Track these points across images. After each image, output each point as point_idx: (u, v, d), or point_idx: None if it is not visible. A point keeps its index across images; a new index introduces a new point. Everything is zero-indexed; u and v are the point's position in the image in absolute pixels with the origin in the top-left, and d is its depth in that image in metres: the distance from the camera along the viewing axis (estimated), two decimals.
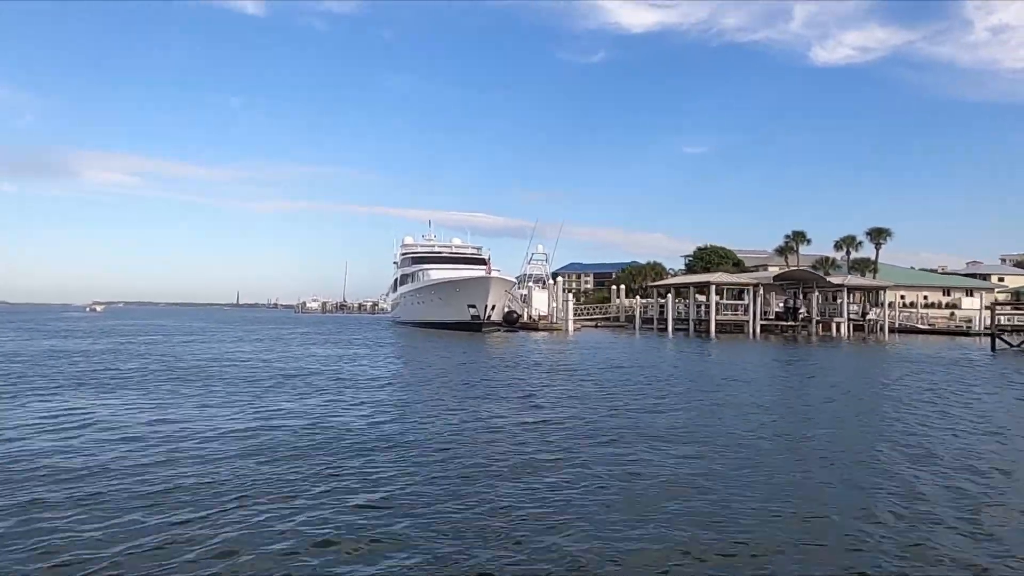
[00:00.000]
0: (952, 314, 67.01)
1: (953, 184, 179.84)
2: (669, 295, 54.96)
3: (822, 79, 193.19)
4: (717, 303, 50.58)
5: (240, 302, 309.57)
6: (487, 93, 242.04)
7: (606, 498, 7.37)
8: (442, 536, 6.12)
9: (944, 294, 76.69)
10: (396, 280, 73.54)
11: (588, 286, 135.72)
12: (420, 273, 59.83)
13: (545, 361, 24.77)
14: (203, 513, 6.63)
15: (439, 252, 65.63)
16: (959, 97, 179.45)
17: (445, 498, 7.27)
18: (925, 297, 72.42)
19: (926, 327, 58.02)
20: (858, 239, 72.03)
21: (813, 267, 65.19)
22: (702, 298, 55.19)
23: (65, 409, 12.79)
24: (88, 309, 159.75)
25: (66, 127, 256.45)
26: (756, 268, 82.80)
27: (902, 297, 66.38)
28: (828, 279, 53.65)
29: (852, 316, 53.07)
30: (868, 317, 54.22)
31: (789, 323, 51.54)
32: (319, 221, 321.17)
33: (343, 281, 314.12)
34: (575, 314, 56.74)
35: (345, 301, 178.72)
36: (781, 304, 52.70)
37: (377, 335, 46.46)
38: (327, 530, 6.22)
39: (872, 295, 57.26)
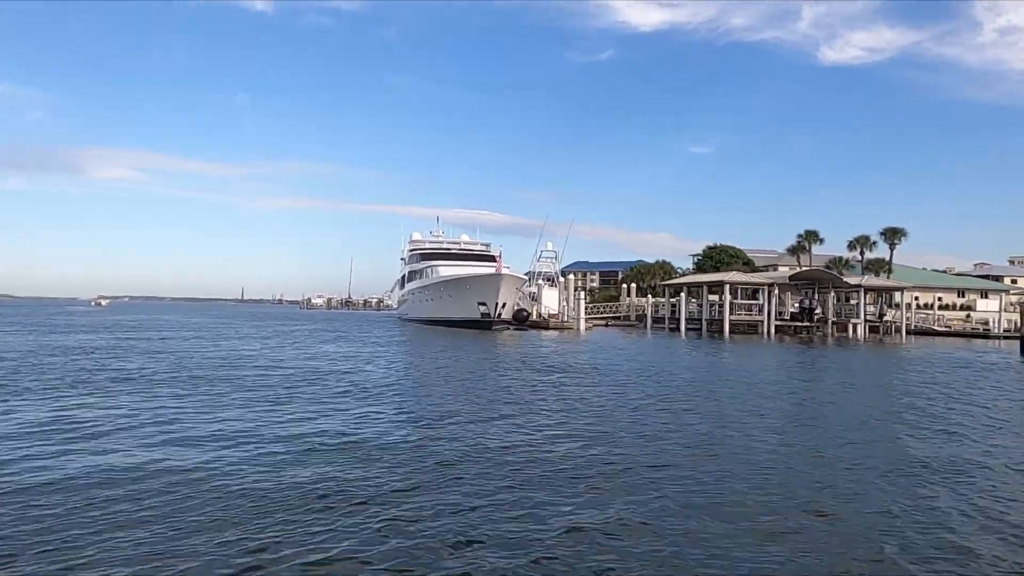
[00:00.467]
0: (968, 316, 65.99)
1: (960, 186, 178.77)
2: (682, 294, 54.10)
3: (830, 79, 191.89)
4: (731, 303, 49.79)
5: (245, 298, 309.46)
6: (492, 92, 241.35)
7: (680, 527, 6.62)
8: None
9: (958, 295, 75.66)
10: (404, 276, 72.79)
11: (594, 284, 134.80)
12: (429, 270, 59.05)
13: (566, 364, 23.87)
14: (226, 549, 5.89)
15: (448, 248, 64.87)
16: (966, 98, 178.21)
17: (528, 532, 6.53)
18: (939, 299, 71.31)
19: (943, 329, 57.06)
20: (872, 239, 71.13)
21: (826, 267, 64.28)
22: (714, 298, 54.40)
23: (53, 416, 11.39)
24: (93, 304, 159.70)
25: (74, 123, 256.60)
26: (766, 268, 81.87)
27: (916, 298, 65.44)
28: (844, 279, 52.75)
29: (869, 317, 52.18)
30: (885, 318, 53.31)
31: (804, 324, 50.66)
32: (323, 218, 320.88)
33: (348, 277, 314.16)
34: (586, 313, 55.93)
35: (350, 297, 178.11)
36: (796, 304, 51.83)
37: (386, 332, 45.73)
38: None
39: (886, 296, 56.39)
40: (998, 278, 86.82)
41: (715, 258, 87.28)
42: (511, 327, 50.76)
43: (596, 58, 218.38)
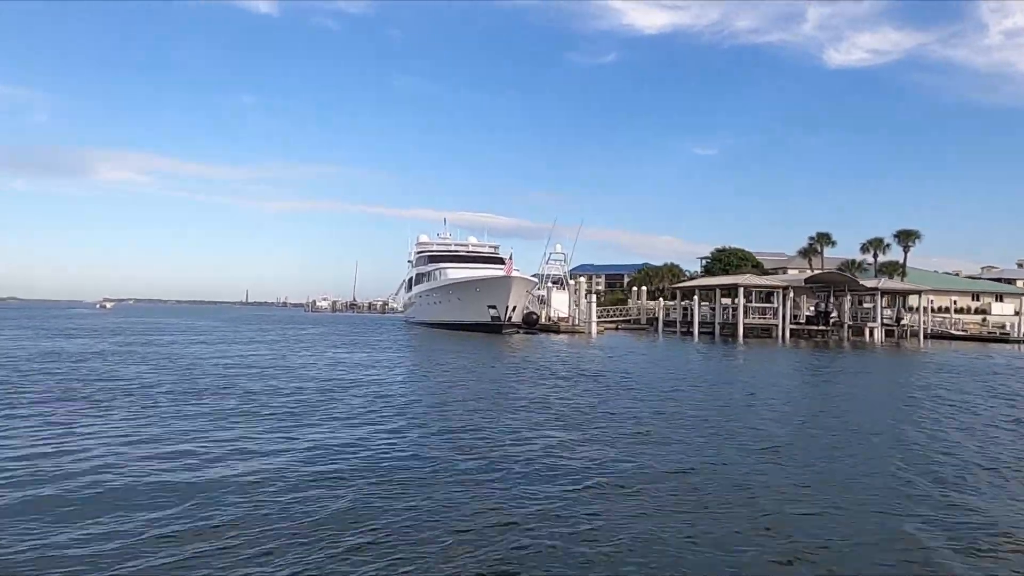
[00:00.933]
0: (984, 320, 64.81)
1: (966, 188, 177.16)
2: (695, 297, 53.11)
3: (836, 82, 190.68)
4: (745, 306, 48.81)
5: (249, 300, 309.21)
6: (496, 94, 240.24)
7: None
8: None
9: (973, 299, 74.50)
10: (411, 279, 71.90)
11: (599, 287, 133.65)
12: (437, 272, 58.14)
13: (593, 372, 22.89)
14: None
15: (456, 251, 63.96)
16: (972, 100, 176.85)
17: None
18: (954, 302, 70.19)
19: (960, 333, 55.95)
20: (886, 241, 70.10)
21: (839, 270, 63.27)
22: (727, 301, 53.43)
23: (35, 438, 10.00)
24: (98, 306, 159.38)
25: (78, 125, 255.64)
26: (775, 271, 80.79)
27: (930, 301, 64.35)
28: (860, 282, 51.72)
29: (885, 321, 51.13)
30: (902, 322, 52.26)
31: (820, 328, 49.61)
32: (328, 220, 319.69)
33: (353, 280, 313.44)
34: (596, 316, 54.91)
35: (355, 300, 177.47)
36: (812, 308, 50.79)
37: (395, 336, 44.76)
38: None
39: (900, 299, 55.32)
40: (1010, 281, 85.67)
41: (724, 261, 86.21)
42: (520, 331, 49.85)
43: (600, 60, 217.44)
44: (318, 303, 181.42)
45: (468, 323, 49.70)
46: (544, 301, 56.39)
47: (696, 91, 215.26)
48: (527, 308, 51.12)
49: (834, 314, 49.54)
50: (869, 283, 51.91)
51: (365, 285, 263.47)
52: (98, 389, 15.43)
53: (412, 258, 72.71)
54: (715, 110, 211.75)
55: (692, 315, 52.86)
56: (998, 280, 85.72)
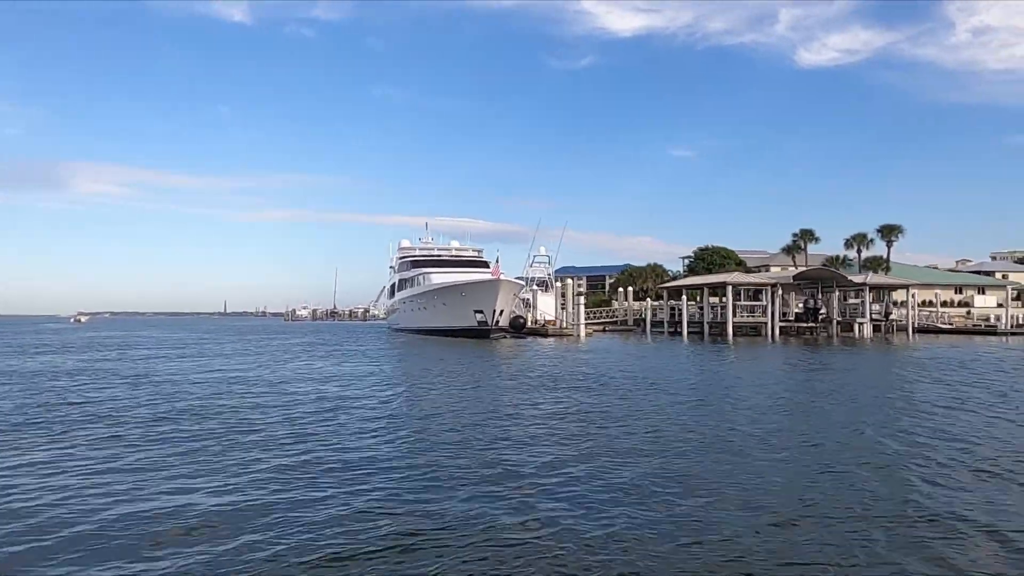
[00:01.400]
0: (968, 312, 64.95)
1: (938, 184, 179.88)
2: (684, 297, 52.52)
3: (808, 81, 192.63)
4: (734, 304, 48.32)
5: (228, 311, 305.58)
6: (473, 100, 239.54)
7: None
8: None
9: (955, 292, 74.71)
10: (393, 285, 70.71)
11: (581, 290, 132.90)
12: (420, 277, 57.03)
13: (595, 378, 22.01)
14: None
15: (439, 255, 62.93)
16: (942, 98, 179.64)
17: None
18: (937, 295, 70.29)
19: (947, 327, 55.88)
20: (869, 236, 70.13)
21: (823, 266, 63.05)
22: (715, 300, 52.95)
23: None
24: (72, 320, 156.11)
25: (52, 138, 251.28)
26: (758, 269, 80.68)
27: (913, 296, 64.39)
28: (848, 278, 51.43)
29: (874, 316, 50.87)
30: (891, 317, 52.04)
31: (809, 324, 49.20)
32: (306, 229, 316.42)
33: (332, 288, 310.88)
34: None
35: (336, 308, 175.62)
36: (800, 305, 50.40)
37: (381, 344, 43.41)
38: None
39: (885, 294, 55.13)
40: (989, 273, 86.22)
41: (707, 260, 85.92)
42: (507, 335, 48.95)
43: (576, 64, 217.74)
44: (298, 312, 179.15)
45: (454, 328, 48.69)
46: (529, 304, 55.56)
47: (672, 93, 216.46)
48: (514, 312, 50.25)
49: (823, 310, 49.15)
50: (857, 279, 51.65)
51: (345, 293, 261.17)
52: (57, 416, 13.73)
53: (394, 264, 71.51)
54: (691, 112, 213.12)
55: (680, 315, 52.30)
56: (977, 272, 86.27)
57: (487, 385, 18.70)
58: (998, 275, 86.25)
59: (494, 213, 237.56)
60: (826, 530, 6.54)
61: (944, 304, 68.00)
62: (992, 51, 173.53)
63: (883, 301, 53.89)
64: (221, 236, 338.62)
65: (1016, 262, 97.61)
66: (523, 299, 54.98)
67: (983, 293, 74.69)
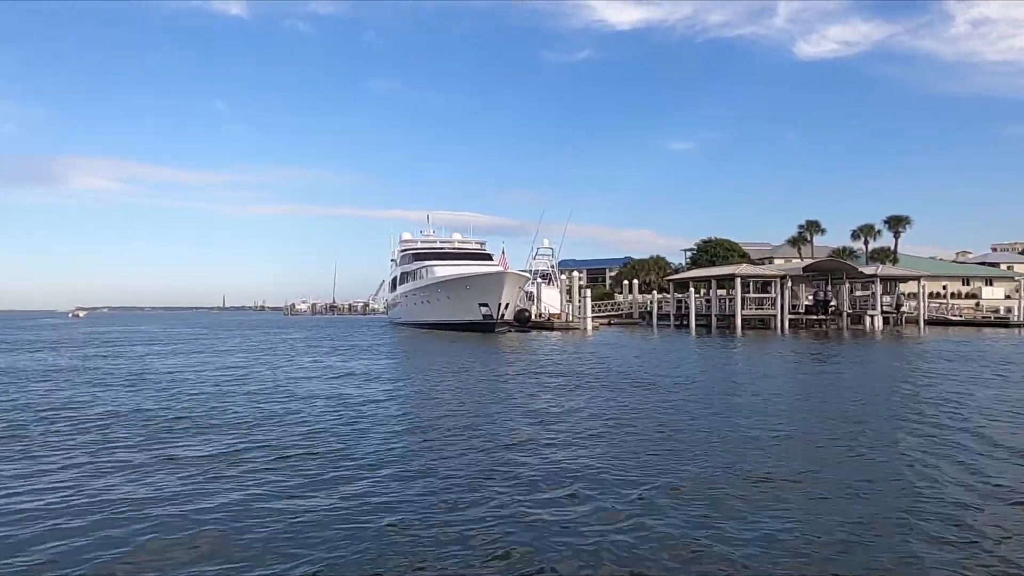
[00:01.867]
0: (977, 304, 64.16)
1: (938, 177, 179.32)
2: (691, 289, 51.66)
3: (807, 73, 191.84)
4: (743, 297, 47.49)
5: (227, 305, 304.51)
6: (471, 94, 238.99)
7: None
8: None
9: (963, 284, 73.99)
10: (395, 279, 69.68)
11: (582, 283, 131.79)
12: (423, 270, 55.96)
13: (621, 375, 21.14)
14: None
15: (442, 248, 61.83)
16: (940, 90, 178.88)
17: None
18: (944, 287, 69.53)
19: (958, 319, 55.04)
20: (876, 227, 69.27)
21: (830, 257, 62.24)
22: (722, 292, 52.14)
23: None
24: (70, 315, 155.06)
25: (49, 134, 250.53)
26: (761, 261, 79.87)
27: (922, 287, 63.65)
28: (859, 269, 50.57)
29: (885, 308, 50.03)
30: (902, 309, 51.23)
31: (819, 317, 48.37)
32: (304, 223, 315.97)
33: (332, 282, 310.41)
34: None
35: (335, 302, 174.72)
36: (810, 297, 49.55)
37: (385, 339, 42.18)
38: None
39: (894, 286, 54.28)
40: (994, 265, 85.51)
41: (710, 252, 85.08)
42: (512, 329, 48.06)
43: (574, 58, 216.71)
44: (297, 306, 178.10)
45: (459, 322, 47.71)
46: (532, 297, 54.60)
47: (671, 86, 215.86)
48: (518, 305, 49.35)
49: (833, 302, 48.32)
50: (867, 270, 50.77)
51: (344, 287, 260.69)
52: (42, 419, 12.38)
53: (395, 257, 70.46)
54: (690, 105, 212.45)
55: (687, 308, 51.50)
56: (983, 264, 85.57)
57: (512, 385, 17.58)
58: (1003, 267, 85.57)
59: (491, 207, 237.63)
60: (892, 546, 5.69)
61: (953, 296, 67.29)
62: (991, 43, 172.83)
63: (893, 293, 53.05)
64: (219, 231, 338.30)
65: (1020, 253, 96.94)
66: (527, 292, 54.12)
67: (991, 285, 73.97)
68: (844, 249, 71.15)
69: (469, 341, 36.88)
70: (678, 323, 54.00)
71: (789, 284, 47.85)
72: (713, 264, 74.94)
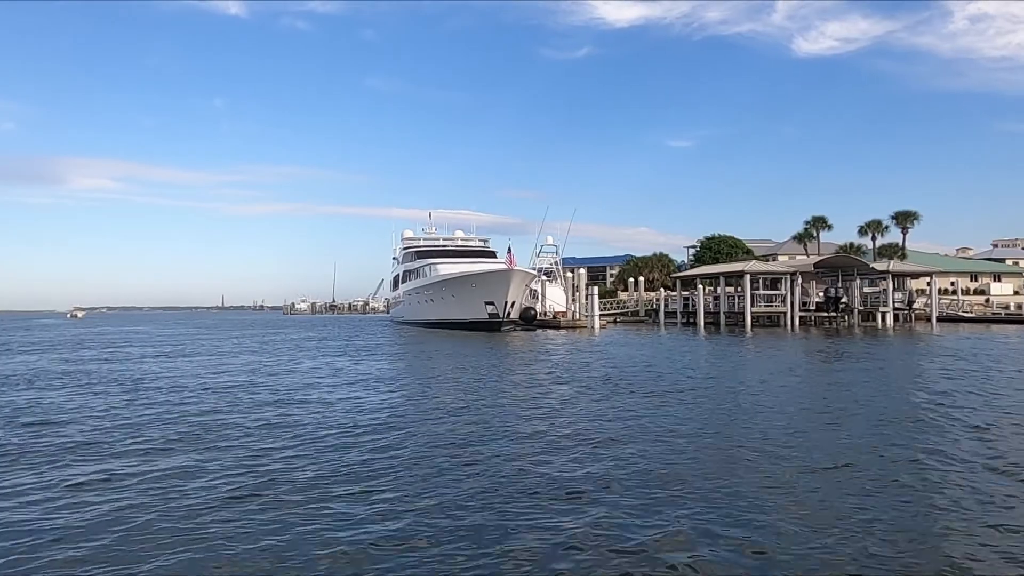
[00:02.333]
0: (987, 301, 63.35)
1: (935, 172, 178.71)
2: (699, 287, 50.81)
3: (806, 70, 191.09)
4: (752, 294, 46.66)
5: (225, 305, 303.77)
6: (470, 91, 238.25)
7: None
8: None
9: (971, 280, 73.15)
10: (397, 277, 68.77)
11: (576, 282, 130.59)
12: (427, 268, 55.01)
13: (629, 376, 20.29)
14: None
15: (445, 246, 60.92)
16: (938, 86, 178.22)
17: None
18: (952, 283, 68.68)
19: (970, 315, 54.21)
20: (884, 223, 68.35)
21: (842, 253, 61.38)
22: (730, 289, 51.32)
23: None
24: (69, 316, 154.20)
25: (47, 133, 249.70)
26: (765, 258, 79.01)
27: (928, 284, 62.86)
28: (871, 266, 49.73)
29: (897, 305, 49.23)
30: (914, 306, 50.42)
31: (831, 314, 47.55)
32: (303, 222, 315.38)
33: (332, 281, 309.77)
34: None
35: (335, 301, 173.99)
36: (821, 294, 48.73)
37: (389, 339, 40.87)
38: None
39: (902, 282, 53.49)
40: (999, 261, 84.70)
41: (714, 249, 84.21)
42: (517, 327, 47.21)
43: (573, 55, 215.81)
44: (297, 306, 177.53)
45: (464, 321, 46.77)
46: (536, 295, 53.68)
47: (669, 84, 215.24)
48: (524, 303, 48.49)
49: (844, 299, 47.49)
50: (879, 266, 49.94)
51: (342, 285, 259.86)
52: (18, 437, 10.66)
53: (397, 255, 69.55)
54: (688, 102, 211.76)
55: (695, 305, 50.70)
56: (988, 259, 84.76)
57: (538, 391, 16.57)
58: (1008, 262, 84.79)
59: (489, 206, 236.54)
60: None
61: (964, 292, 66.51)
62: (989, 39, 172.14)
63: (904, 289, 52.26)
64: (217, 230, 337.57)
65: None
66: (532, 290, 53.26)
67: (999, 280, 73.15)
68: (851, 245, 70.22)
69: (476, 341, 35.91)
70: (685, 321, 53.22)
71: (799, 281, 47.04)
72: (717, 261, 74.11)
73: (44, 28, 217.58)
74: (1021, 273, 73.95)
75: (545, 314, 52.54)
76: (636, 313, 60.54)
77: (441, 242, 62.48)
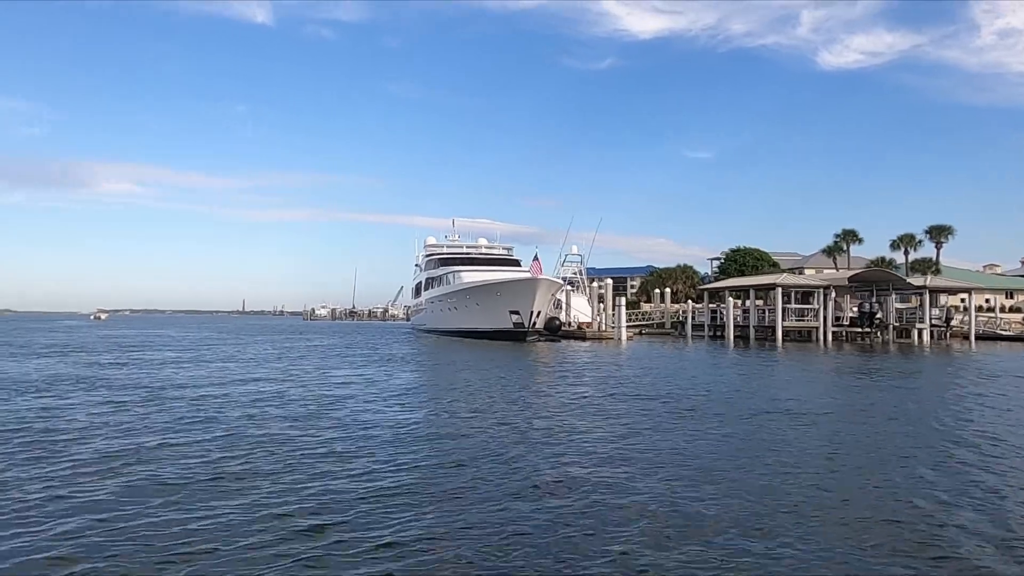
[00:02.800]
0: None
1: (961, 187, 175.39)
2: (728, 299, 49.62)
3: (830, 84, 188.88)
4: (783, 308, 45.41)
5: (246, 309, 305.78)
6: (491, 100, 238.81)
7: None
8: None
9: (1006, 296, 71.17)
10: (419, 284, 68.14)
11: (602, 292, 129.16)
12: (450, 276, 54.30)
13: (668, 395, 19.32)
14: None
15: (468, 253, 60.20)
16: (965, 101, 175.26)
17: None
18: (987, 300, 66.69)
19: (1008, 333, 52.45)
20: (917, 238, 66.66)
21: (875, 267, 59.84)
22: (759, 303, 50.06)
23: None
24: (92, 317, 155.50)
25: (74, 138, 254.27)
26: (791, 271, 77.51)
27: (963, 300, 61.06)
28: (907, 281, 48.32)
29: (934, 321, 47.72)
30: (951, 323, 48.86)
31: (865, 329, 46.15)
32: (324, 229, 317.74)
33: (352, 288, 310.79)
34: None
35: (355, 308, 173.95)
36: (855, 309, 47.34)
37: (417, 348, 39.81)
38: None
39: (935, 298, 51.86)
40: None
41: (739, 261, 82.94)
42: (542, 338, 46.30)
43: (596, 66, 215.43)
44: (317, 311, 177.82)
45: (488, 330, 45.91)
46: (560, 305, 52.68)
47: (691, 95, 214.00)
48: (549, 313, 47.58)
49: (879, 314, 46.08)
50: (916, 281, 48.47)
51: (360, 292, 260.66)
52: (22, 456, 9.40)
53: (420, 262, 68.98)
54: (710, 114, 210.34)
55: (723, 318, 49.52)
56: (1022, 276, 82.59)
57: (594, 408, 15.62)
58: None
59: (506, 214, 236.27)
60: None
61: (994, 310, 64.57)
62: (1017, 53, 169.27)
63: (938, 305, 50.70)
64: (239, 235, 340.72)
65: None
66: (556, 300, 52.37)
67: None
68: (883, 259, 68.56)
69: (504, 351, 35.01)
70: (712, 334, 52.06)
71: (833, 295, 45.76)
72: (742, 274, 72.80)
73: (71, 34, 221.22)
74: None
75: (570, 324, 51.61)
76: (661, 325, 59.39)
77: (465, 249, 61.80)
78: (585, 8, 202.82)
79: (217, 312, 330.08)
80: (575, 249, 61.74)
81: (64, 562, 5.52)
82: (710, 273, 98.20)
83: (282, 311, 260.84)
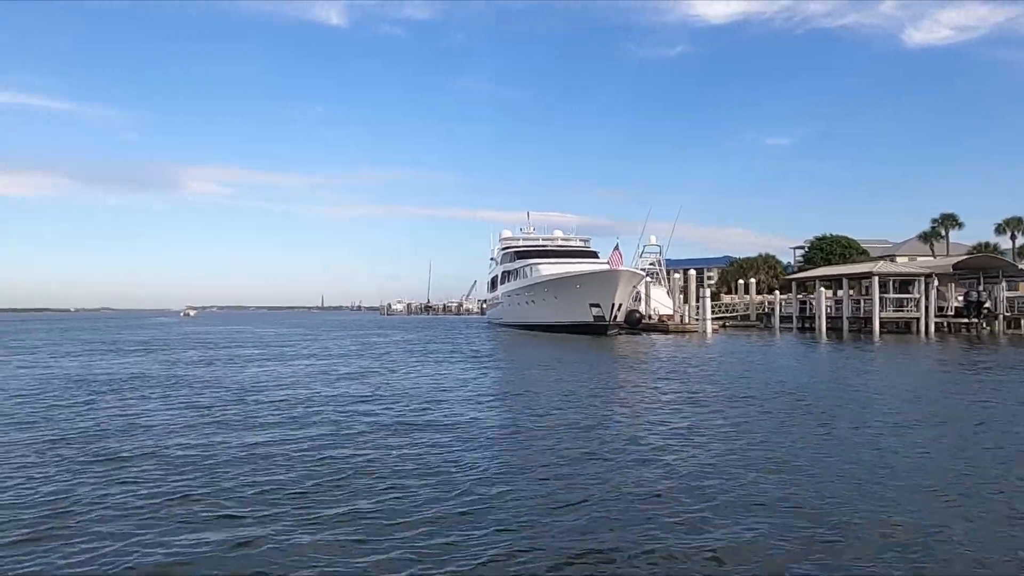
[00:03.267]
0: None
1: None
2: (820, 289, 47.25)
3: (916, 63, 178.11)
4: (881, 298, 42.88)
5: (325, 305, 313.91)
6: (562, 93, 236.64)
7: None
8: None
9: None
10: (495, 278, 67.83)
11: (683, 284, 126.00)
12: (527, 269, 53.65)
13: (775, 394, 18.13)
14: None
15: (544, 246, 59.35)
16: None
17: None
18: None
19: None
20: None
21: (981, 252, 56.04)
22: (851, 293, 47.49)
23: None
24: (182, 314, 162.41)
25: (165, 142, 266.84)
26: (882, 259, 73.50)
27: None
28: (1020, 267, 44.91)
29: None
30: None
31: (969, 320, 43.13)
32: (399, 224, 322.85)
33: (425, 282, 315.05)
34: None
35: (430, 302, 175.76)
36: (960, 298, 44.31)
37: (497, 342, 39.33)
38: None
39: None
40: None
41: (826, 250, 79.54)
42: (622, 331, 45.15)
43: (668, 53, 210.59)
44: (393, 306, 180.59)
45: (567, 324, 45.03)
46: (639, 297, 51.19)
47: (767, 80, 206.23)
48: (629, 306, 46.34)
49: (987, 304, 42.96)
50: None
51: (437, 286, 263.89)
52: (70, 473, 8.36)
53: (496, 255, 68.65)
54: (788, 99, 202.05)
55: (815, 310, 47.19)
56: None
57: (712, 410, 14.86)
58: None
59: (578, 206, 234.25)
60: None
61: None
62: None
63: None
64: (317, 232, 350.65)
65: None
66: (636, 292, 51.02)
67: None
68: (986, 245, 64.20)
69: (586, 345, 34.15)
70: (801, 326, 49.80)
71: (935, 283, 42.91)
72: (829, 262, 69.65)
73: (156, 40, 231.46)
74: None
75: (650, 317, 50.25)
76: (746, 317, 57.22)
77: (541, 242, 61.00)
78: None
79: (297, 308, 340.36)
80: (653, 239, 60.21)
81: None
82: (793, 263, 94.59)
83: (359, 306, 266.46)
